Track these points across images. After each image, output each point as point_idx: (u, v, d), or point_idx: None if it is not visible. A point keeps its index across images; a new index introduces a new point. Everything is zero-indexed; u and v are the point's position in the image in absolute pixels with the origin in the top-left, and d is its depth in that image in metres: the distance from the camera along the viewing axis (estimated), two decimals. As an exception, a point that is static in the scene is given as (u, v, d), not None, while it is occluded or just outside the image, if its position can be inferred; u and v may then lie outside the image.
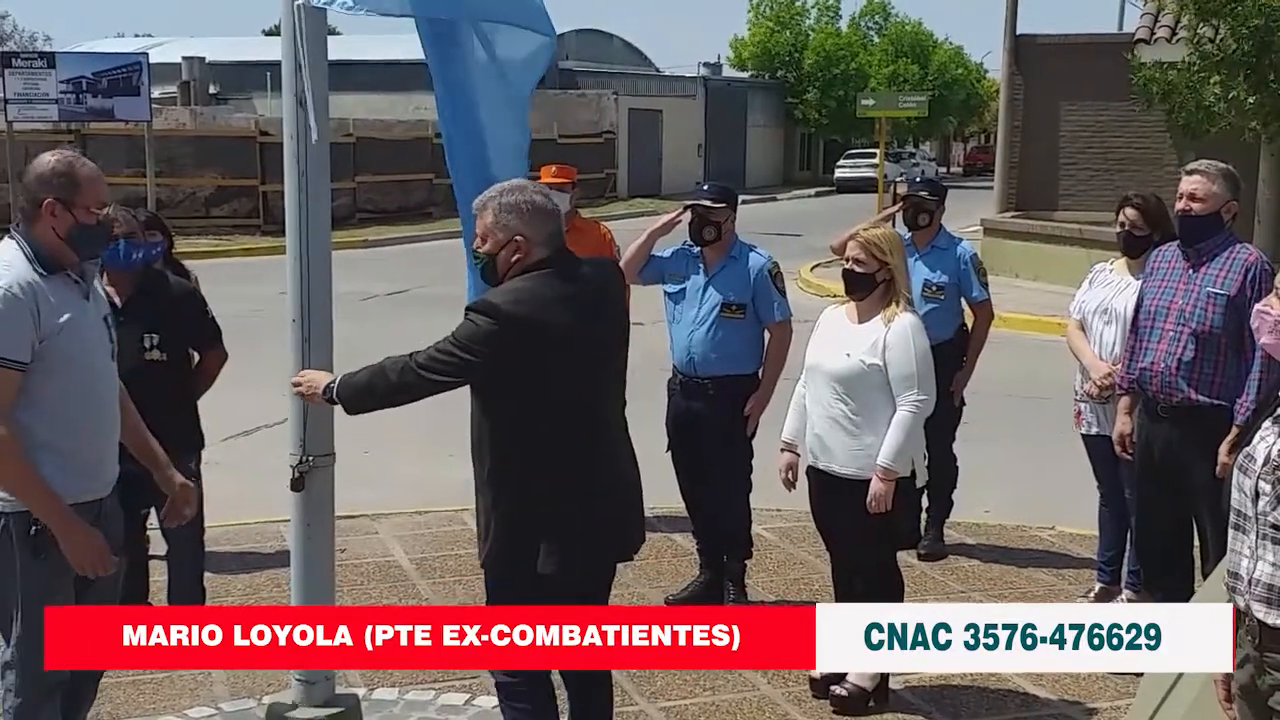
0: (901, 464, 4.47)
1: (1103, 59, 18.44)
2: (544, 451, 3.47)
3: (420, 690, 4.76)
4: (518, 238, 3.47)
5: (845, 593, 4.77)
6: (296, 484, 3.67)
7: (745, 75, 51.54)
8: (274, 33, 61.53)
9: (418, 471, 7.59)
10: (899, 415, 4.46)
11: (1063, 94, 19.88)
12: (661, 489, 6.23)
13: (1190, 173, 4.74)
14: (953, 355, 6.15)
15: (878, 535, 4.58)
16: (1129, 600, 5.43)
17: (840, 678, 4.70)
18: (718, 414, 5.51)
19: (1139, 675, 4.19)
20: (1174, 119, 15.37)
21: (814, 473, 4.68)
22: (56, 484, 3.40)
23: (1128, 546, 5.45)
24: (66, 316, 3.39)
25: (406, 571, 6.12)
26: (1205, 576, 4.67)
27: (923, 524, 6.30)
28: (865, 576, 4.67)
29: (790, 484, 4.81)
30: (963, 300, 6.41)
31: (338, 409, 3.64)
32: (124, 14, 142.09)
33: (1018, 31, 20.67)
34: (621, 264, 5.79)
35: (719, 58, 53.87)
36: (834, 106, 49.71)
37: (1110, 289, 5.39)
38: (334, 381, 3.56)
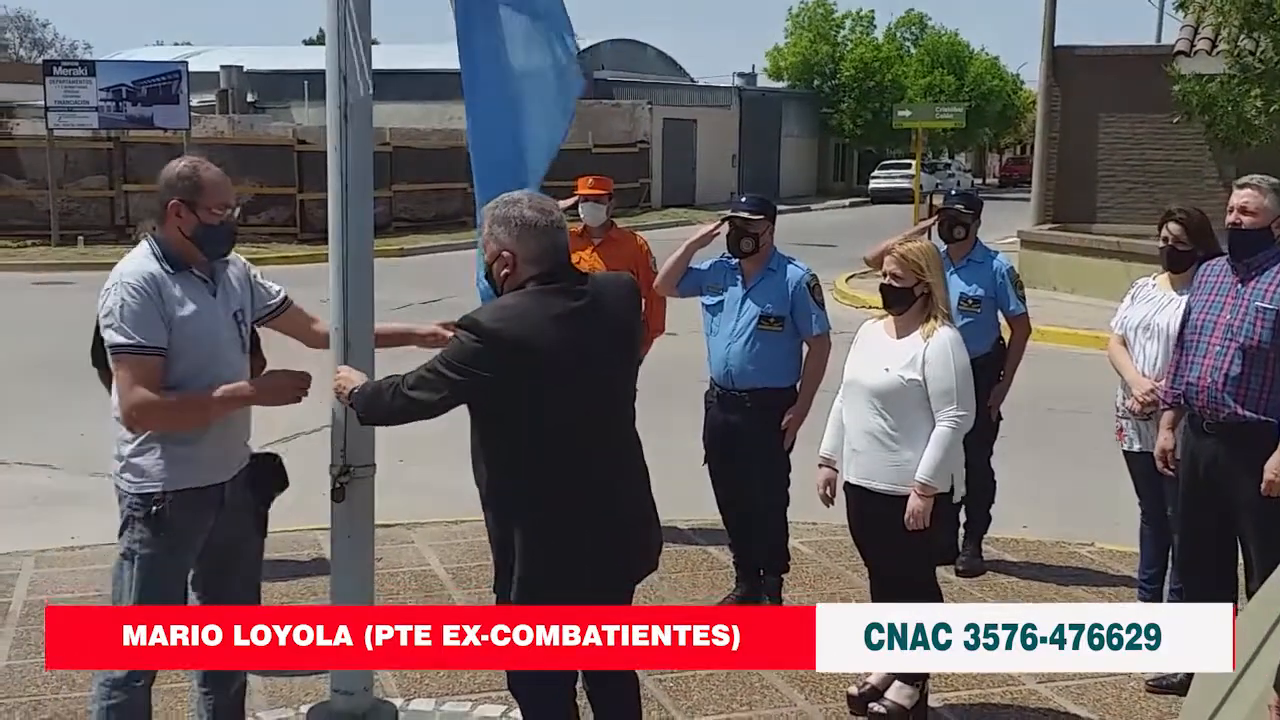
0: (940, 480, 4.44)
1: (1141, 71, 18.34)
2: (539, 472, 3.38)
3: (457, 701, 4.76)
4: (505, 253, 3.40)
5: (883, 609, 4.74)
6: (337, 494, 3.67)
7: (780, 85, 51.49)
8: (312, 42, 61.79)
9: (452, 480, 7.54)
10: (938, 431, 4.43)
11: (1101, 106, 19.77)
12: (698, 501, 6.23)
13: (1241, 186, 4.71)
14: (990, 369, 6.11)
15: (916, 551, 4.55)
16: (1170, 619, 5.37)
17: (879, 695, 4.67)
18: (755, 427, 5.49)
19: (1182, 696, 4.14)
20: (1214, 132, 15.25)
21: (852, 488, 4.65)
22: (173, 467, 3.64)
23: (1169, 564, 5.40)
24: (189, 309, 3.62)
25: (442, 581, 6.13)
26: (1249, 595, 4.62)
27: (960, 539, 6.26)
28: (903, 593, 4.63)
29: (828, 500, 4.79)
30: (999, 314, 6.38)
31: None
32: (163, 23, 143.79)
33: (1055, 43, 20.57)
34: (659, 276, 5.82)
35: (753, 68, 53.90)
36: (869, 117, 49.59)
37: (1153, 304, 5.34)
38: (356, 389, 3.53)
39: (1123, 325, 5.45)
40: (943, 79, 52.03)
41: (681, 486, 6.12)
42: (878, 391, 4.50)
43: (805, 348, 5.59)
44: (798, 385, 5.57)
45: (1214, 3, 14.00)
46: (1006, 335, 6.43)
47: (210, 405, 3.65)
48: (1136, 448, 5.36)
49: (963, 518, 5.97)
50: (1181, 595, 5.21)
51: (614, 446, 3.53)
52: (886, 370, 4.48)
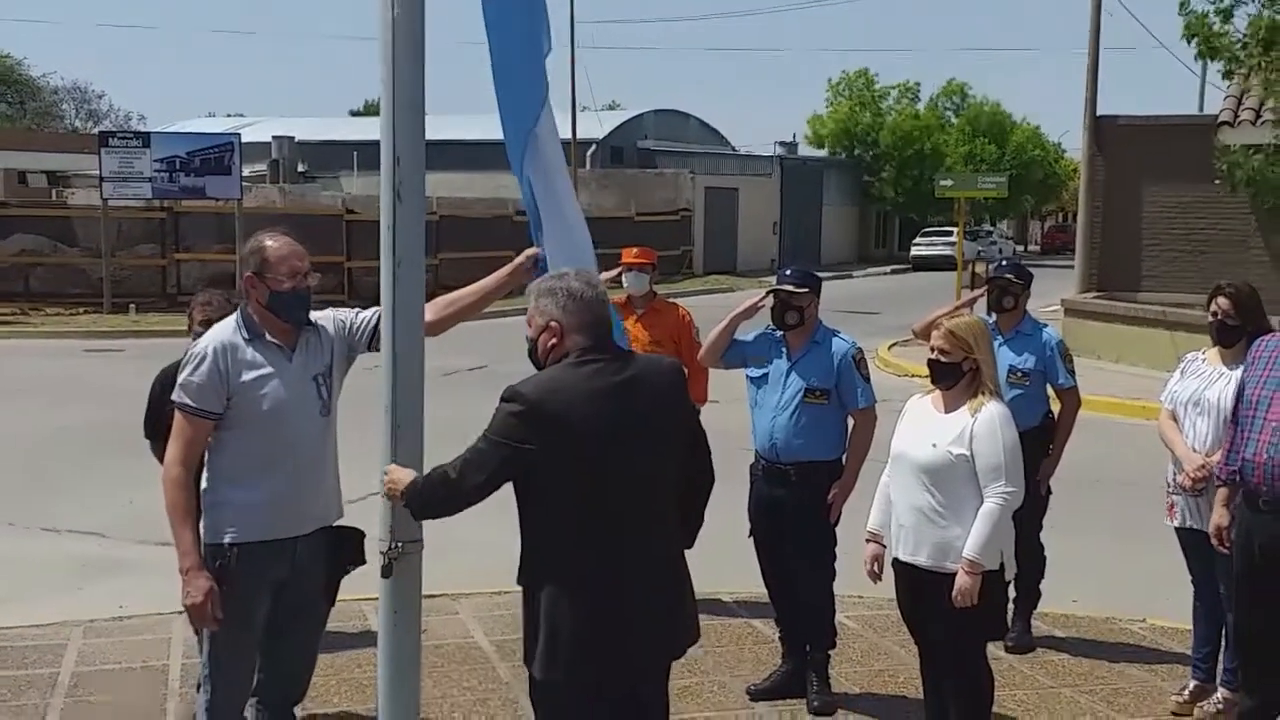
0: (989, 557, 4.39)
1: (1184, 140, 18.31)
2: (568, 546, 3.40)
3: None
4: (553, 323, 3.46)
5: (933, 688, 4.68)
6: (386, 571, 3.68)
7: (821, 154, 51.77)
8: (359, 113, 62.57)
9: (498, 549, 7.54)
10: (986, 507, 4.39)
11: (1144, 175, 19.74)
12: (743, 574, 6.19)
13: None
14: (1039, 442, 6.06)
15: (965, 629, 4.49)
16: (1224, 699, 5.28)
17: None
18: (801, 500, 5.46)
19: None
20: (1259, 202, 15.18)
21: (900, 565, 4.61)
22: (240, 520, 3.88)
23: (1223, 643, 5.31)
24: (257, 375, 3.90)
25: (487, 654, 6.11)
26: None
27: (1009, 615, 6.18)
28: (953, 671, 4.57)
29: (876, 576, 4.75)
30: (1048, 387, 6.34)
31: None
32: (216, 94, 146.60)
33: (1098, 112, 20.60)
34: (704, 348, 5.83)
35: (794, 136, 54.25)
36: (910, 185, 49.72)
37: (1202, 379, 5.30)
38: (408, 487, 3.53)
39: (1172, 400, 5.41)
40: (983, 148, 52.10)
41: (726, 559, 6.08)
42: (925, 467, 4.48)
43: (850, 420, 5.58)
44: (843, 458, 5.55)
45: (1260, 72, 13.99)
46: (1055, 407, 6.39)
47: (176, 525, 3.86)
48: (1188, 524, 5.30)
49: (1011, 593, 5.90)
50: (1236, 674, 5.13)
51: (646, 527, 3.51)
52: (934, 446, 4.46)
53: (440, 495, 3.47)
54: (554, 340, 3.47)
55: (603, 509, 3.41)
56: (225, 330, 3.98)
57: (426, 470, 3.59)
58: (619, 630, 3.45)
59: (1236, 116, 17.24)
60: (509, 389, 3.40)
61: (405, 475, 3.58)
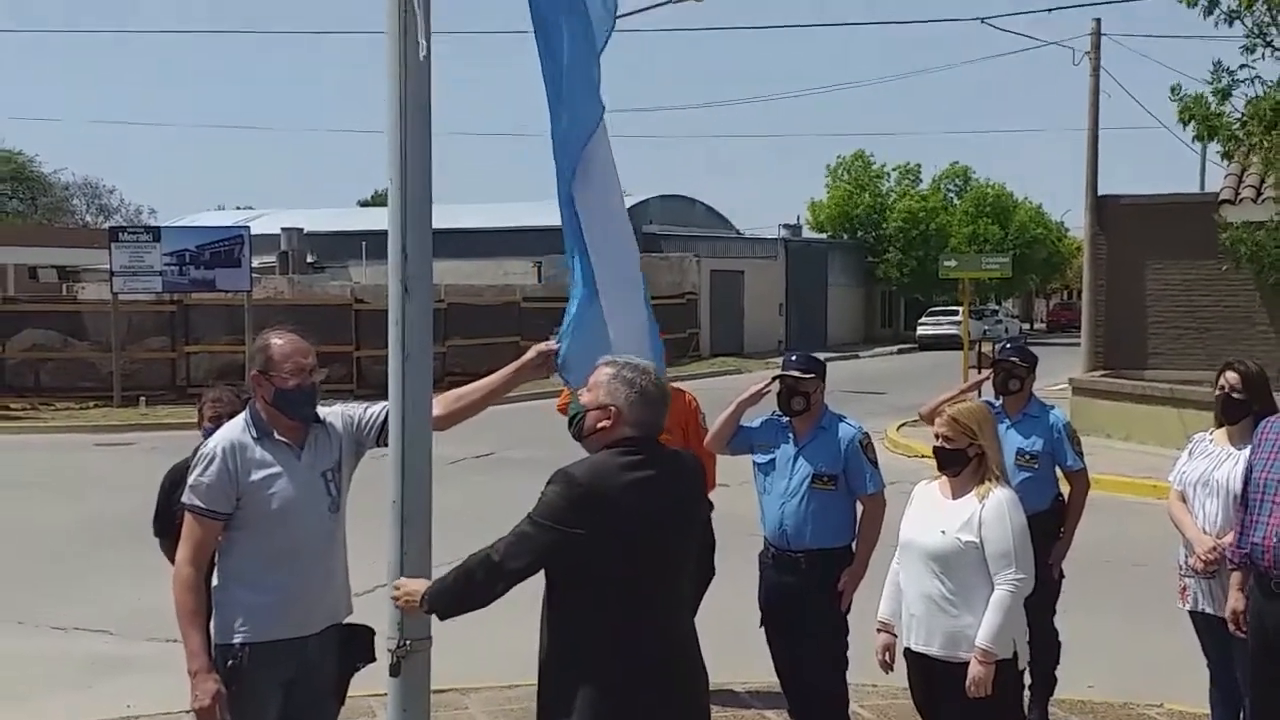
0: (1001, 645, 4.36)
1: (1186, 218, 18.45)
2: (610, 634, 3.40)
3: None
4: (613, 407, 3.49)
5: (949, 780, 4.62)
6: (394, 669, 3.67)
7: (824, 235, 52.09)
8: (369, 203, 62.97)
9: (508, 641, 7.49)
10: (997, 594, 4.37)
11: (1147, 253, 19.85)
12: (755, 663, 6.13)
13: None
14: (1049, 526, 6.03)
15: (980, 718, 4.44)
16: (1246, 785, 5.19)
17: None
18: (811, 588, 5.42)
19: None
20: (1262, 279, 15.24)
21: (911, 654, 4.57)
22: (250, 620, 3.87)
23: (1242, 727, 5.24)
24: (266, 474, 3.91)
25: (497, 749, 6.05)
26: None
27: (1025, 702, 6.10)
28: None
29: (888, 666, 4.71)
30: (1057, 469, 6.32)
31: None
32: (226, 187, 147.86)
33: (1099, 191, 20.79)
34: (710, 434, 5.84)
35: (798, 219, 54.60)
36: (914, 265, 49.98)
37: (1211, 460, 5.30)
38: (427, 591, 3.53)
39: (1181, 481, 5.40)
40: (987, 228, 52.41)
41: (737, 647, 6.04)
42: (934, 554, 4.46)
43: (859, 505, 5.57)
44: (853, 544, 5.52)
45: (1260, 149, 14.11)
46: (1064, 488, 6.36)
47: (183, 623, 3.87)
48: (1201, 607, 5.26)
49: (1027, 679, 5.84)
50: (1257, 760, 5.05)
51: (675, 616, 3.56)
52: (943, 533, 4.45)
53: (478, 581, 3.42)
54: (606, 422, 3.49)
55: (641, 596, 3.43)
56: (234, 430, 4.00)
57: (437, 575, 3.59)
58: (653, 713, 3.43)
59: (1238, 194, 17.38)
60: (560, 472, 3.42)
61: (418, 584, 3.59)
